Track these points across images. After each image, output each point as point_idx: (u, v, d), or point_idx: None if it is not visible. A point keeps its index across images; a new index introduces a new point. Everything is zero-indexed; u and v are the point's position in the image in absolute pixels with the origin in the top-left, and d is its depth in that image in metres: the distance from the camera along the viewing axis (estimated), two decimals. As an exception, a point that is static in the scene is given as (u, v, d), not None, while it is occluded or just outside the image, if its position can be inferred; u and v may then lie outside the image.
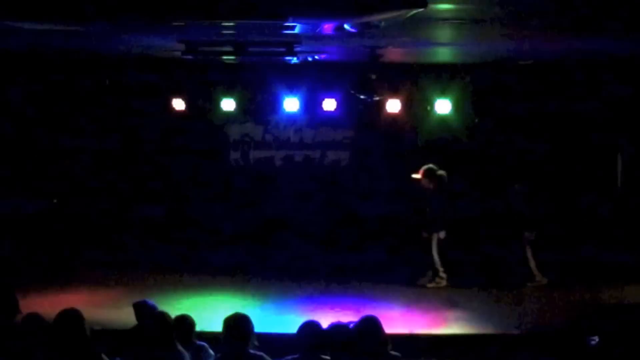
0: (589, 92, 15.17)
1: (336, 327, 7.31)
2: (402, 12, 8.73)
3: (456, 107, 15.30)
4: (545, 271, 14.21)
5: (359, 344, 7.06)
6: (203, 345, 7.91)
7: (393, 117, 15.50)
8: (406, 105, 15.28)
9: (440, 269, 14.13)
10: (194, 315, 8.09)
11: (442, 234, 14.14)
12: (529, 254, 14.15)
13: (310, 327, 7.19)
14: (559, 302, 13.03)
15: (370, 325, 7.18)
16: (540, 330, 11.32)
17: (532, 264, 14.14)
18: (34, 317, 7.32)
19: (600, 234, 15.40)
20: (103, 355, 6.81)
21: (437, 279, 14.15)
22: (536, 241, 14.17)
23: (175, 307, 9.26)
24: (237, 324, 7.00)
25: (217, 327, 7.19)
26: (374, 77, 14.70)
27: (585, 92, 15.20)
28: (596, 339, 10.44)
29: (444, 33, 11.50)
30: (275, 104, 15.72)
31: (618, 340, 8.70)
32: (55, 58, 14.67)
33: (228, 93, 15.56)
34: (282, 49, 11.70)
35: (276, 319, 11.49)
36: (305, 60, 13.91)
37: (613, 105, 15.32)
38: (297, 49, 11.63)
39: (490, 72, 15.07)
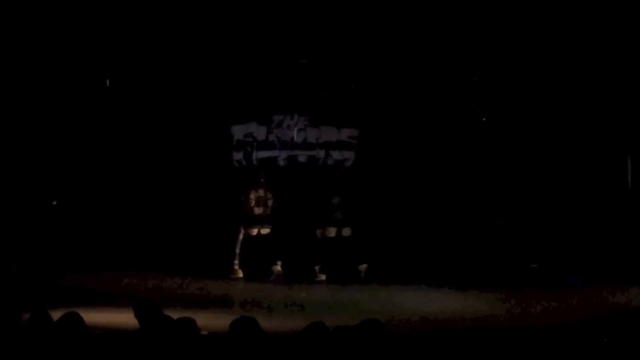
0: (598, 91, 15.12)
1: (340, 331, 7.16)
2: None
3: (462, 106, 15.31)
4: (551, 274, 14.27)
5: (361, 349, 6.91)
6: (206, 349, 7.76)
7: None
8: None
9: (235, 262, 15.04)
10: (196, 317, 7.94)
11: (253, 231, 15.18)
12: None
13: (315, 329, 7.05)
14: (565, 303, 12.91)
15: (372, 328, 7.03)
16: (545, 331, 11.18)
17: None
18: (43, 315, 7.21)
19: (608, 236, 15.32)
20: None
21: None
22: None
23: (176, 309, 9.16)
24: (245, 328, 6.80)
25: (221, 329, 7.04)
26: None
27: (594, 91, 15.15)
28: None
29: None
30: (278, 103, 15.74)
31: (626, 342, 8.58)
32: (53, 58, 14.68)
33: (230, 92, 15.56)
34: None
35: (278, 320, 11.34)
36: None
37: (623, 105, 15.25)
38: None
39: (497, 69, 15.08)
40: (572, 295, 13.30)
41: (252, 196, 15.12)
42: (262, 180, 15.34)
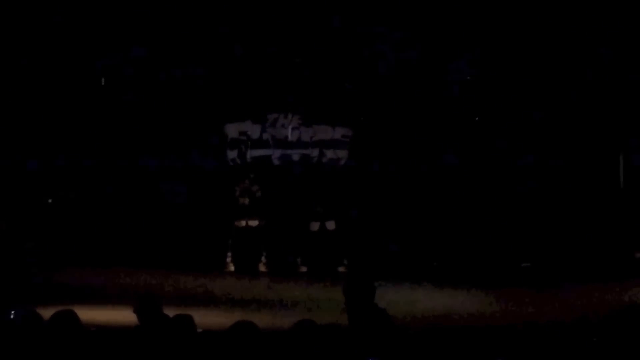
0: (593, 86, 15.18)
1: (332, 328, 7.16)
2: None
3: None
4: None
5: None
6: (203, 346, 7.77)
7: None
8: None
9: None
10: (194, 314, 7.96)
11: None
12: None
13: (304, 326, 7.04)
14: (565, 301, 12.95)
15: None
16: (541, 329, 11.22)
17: None
18: (32, 314, 7.20)
19: (604, 233, 15.37)
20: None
21: None
22: None
23: (175, 306, 9.16)
24: (243, 333, 6.74)
25: (218, 326, 7.04)
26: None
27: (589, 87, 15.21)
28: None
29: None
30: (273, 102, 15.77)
31: (623, 340, 8.57)
32: (49, 56, 14.69)
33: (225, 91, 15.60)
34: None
35: (276, 319, 11.35)
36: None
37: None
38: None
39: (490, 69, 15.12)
40: (565, 294, 13.36)
41: (238, 187, 15.33)
42: (252, 175, 15.56)
